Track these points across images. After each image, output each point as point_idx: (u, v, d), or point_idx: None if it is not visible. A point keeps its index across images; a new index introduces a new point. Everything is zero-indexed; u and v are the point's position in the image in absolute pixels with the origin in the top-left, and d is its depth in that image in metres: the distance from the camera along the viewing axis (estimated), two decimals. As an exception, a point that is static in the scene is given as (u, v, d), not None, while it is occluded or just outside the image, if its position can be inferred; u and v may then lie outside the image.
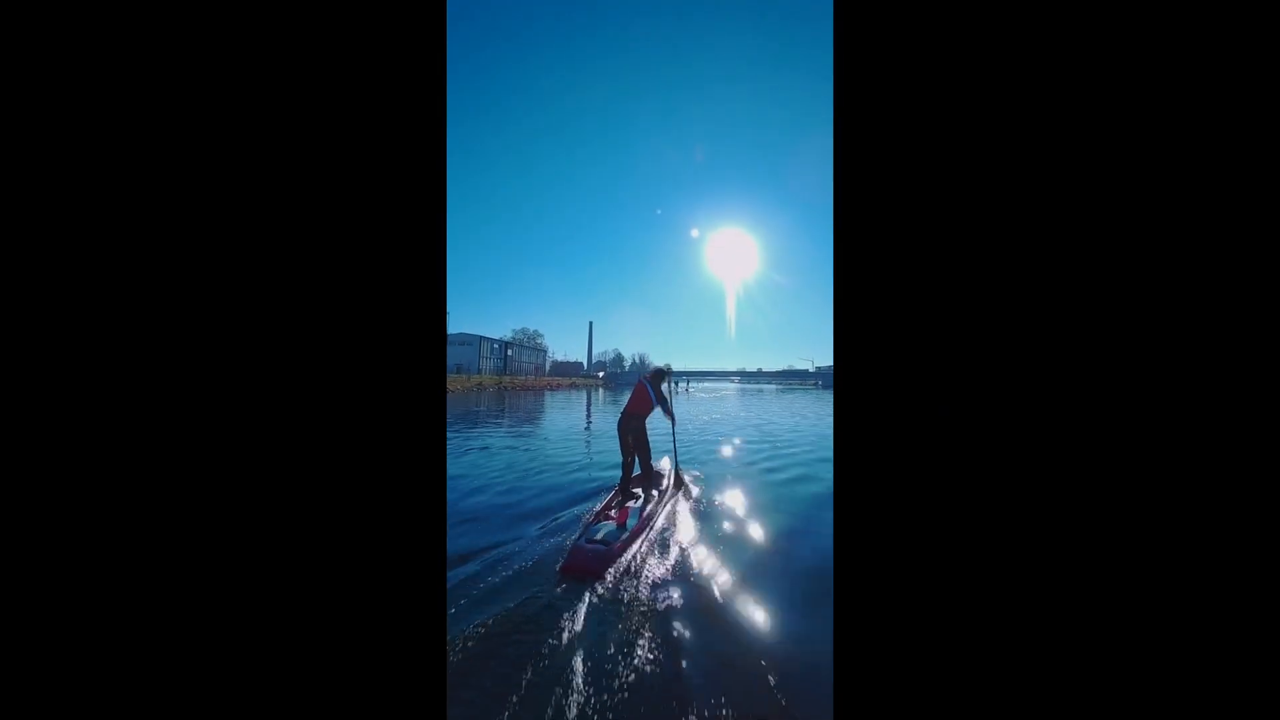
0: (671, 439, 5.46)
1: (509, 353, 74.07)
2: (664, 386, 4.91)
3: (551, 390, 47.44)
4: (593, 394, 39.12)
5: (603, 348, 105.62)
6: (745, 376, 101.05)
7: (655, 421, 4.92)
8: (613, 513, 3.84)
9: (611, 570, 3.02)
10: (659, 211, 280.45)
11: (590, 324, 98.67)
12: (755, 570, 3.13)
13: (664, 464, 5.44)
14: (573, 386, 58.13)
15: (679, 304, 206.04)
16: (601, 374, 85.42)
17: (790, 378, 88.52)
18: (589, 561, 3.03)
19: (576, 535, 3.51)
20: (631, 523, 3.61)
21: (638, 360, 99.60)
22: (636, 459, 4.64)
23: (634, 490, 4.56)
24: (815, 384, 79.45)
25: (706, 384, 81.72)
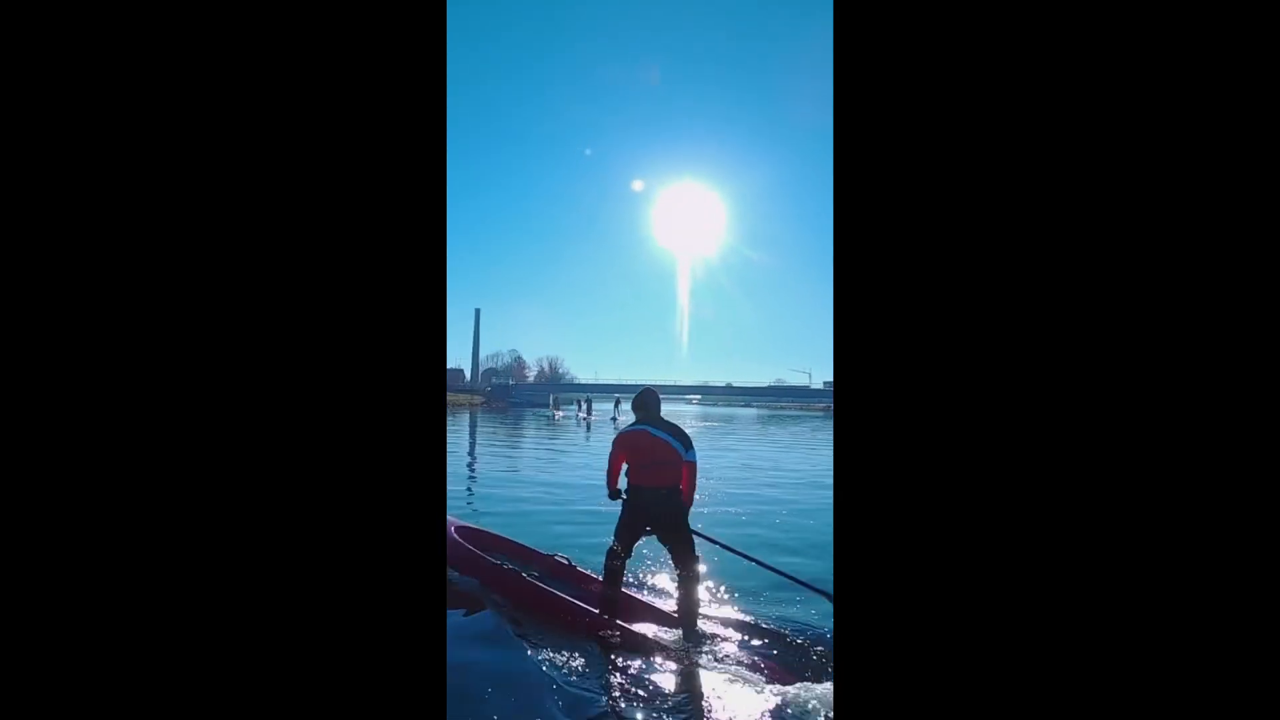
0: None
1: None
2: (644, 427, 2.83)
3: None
4: (476, 419, 26.09)
5: (494, 349, 70.99)
6: (710, 394, 67.11)
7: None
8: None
9: None
10: (588, 152, 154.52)
11: (477, 312, 65.09)
12: None
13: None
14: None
15: (610, 289, 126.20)
16: (489, 388, 56.17)
17: (781, 396, 58.82)
18: None
19: None
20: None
21: (546, 368, 67.85)
22: (677, 565, 2.74)
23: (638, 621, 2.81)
24: (822, 408, 47.99)
25: None
